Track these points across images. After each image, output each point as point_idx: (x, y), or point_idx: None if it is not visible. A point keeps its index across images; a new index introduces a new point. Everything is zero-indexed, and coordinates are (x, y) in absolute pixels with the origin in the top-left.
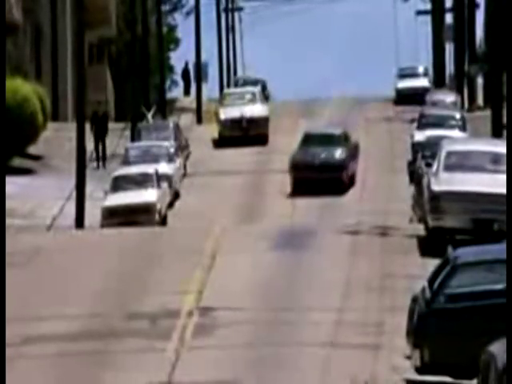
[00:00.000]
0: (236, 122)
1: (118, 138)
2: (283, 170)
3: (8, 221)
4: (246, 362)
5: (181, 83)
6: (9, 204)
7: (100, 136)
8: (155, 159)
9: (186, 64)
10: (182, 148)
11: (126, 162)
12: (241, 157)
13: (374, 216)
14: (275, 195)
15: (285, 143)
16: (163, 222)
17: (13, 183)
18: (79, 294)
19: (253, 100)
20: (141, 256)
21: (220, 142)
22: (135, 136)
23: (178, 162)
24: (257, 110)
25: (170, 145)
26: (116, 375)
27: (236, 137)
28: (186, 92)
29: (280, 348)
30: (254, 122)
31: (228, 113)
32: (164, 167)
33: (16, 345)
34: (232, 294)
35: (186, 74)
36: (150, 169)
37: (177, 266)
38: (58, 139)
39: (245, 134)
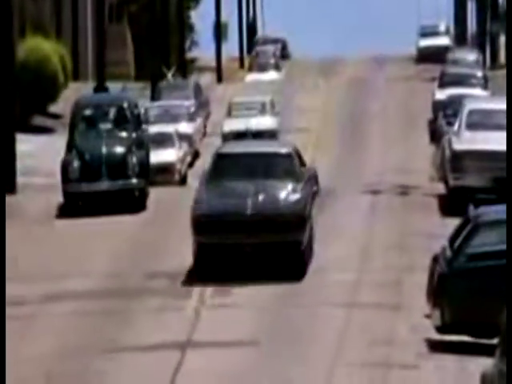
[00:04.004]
0: (240, 136)
1: (137, 97)
2: (302, 129)
3: (28, 179)
4: (264, 322)
5: (201, 42)
6: (29, 162)
7: None
8: (175, 119)
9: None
10: (202, 107)
11: (146, 121)
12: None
13: (395, 175)
14: None
15: (304, 103)
16: (183, 181)
17: (33, 142)
18: (100, 254)
19: (262, 111)
20: (160, 216)
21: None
22: (155, 95)
23: (198, 121)
24: (264, 122)
25: (190, 104)
26: (136, 334)
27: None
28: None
29: (298, 309)
30: (260, 136)
31: (232, 125)
32: (184, 127)
33: (37, 302)
34: None
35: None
36: (169, 128)
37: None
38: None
39: None
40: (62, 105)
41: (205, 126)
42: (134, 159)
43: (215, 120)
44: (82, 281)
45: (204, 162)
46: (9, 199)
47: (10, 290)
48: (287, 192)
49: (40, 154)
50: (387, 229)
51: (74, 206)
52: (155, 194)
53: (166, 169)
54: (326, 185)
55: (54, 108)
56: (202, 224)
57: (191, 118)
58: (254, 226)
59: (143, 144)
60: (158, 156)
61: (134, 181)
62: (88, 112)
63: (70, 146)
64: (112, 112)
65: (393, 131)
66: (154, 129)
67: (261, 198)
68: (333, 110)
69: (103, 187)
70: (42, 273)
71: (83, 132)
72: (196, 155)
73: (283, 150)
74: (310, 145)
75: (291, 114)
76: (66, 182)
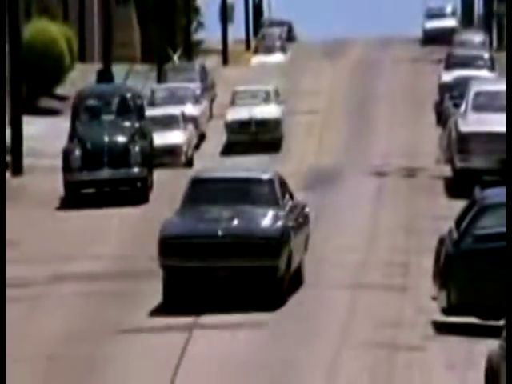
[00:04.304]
0: (244, 125)
1: (143, 79)
2: (309, 110)
3: (34, 161)
4: (271, 304)
5: (207, 24)
6: (35, 144)
7: None
8: (181, 101)
9: None
10: (208, 90)
11: (152, 103)
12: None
13: (401, 157)
14: (302, 134)
15: (310, 86)
16: (189, 163)
17: (39, 124)
18: (106, 237)
19: (266, 99)
20: (167, 197)
21: (228, 149)
22: (161, 77)
23: (204, 103)
24: (269, 111)
25: (196, 86)
26: (143, 315)
27: (244, 142)
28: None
29: (304, 290)
30: (264, 125)
31: (236, 114)
32: (190, 109)
33: (43, 284)
34: None
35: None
36: (175, 110)
37: None
38: (84, 80)
39: (254, 138)
40: (69, 87)
41: (211, 109)
42: (137, 149)
43: (221, 102)
44: (88, 263)
45: (210, 144)
46: (15, 181)
47: (15, 271)
48: (265, 217)
49: (46, 136)
50: (393, 210)
51: (75, 195)
52: (160, 175)
53: (172, 151)
54: (332, 166)
55: (60, 90)
56: (169, 246)
57: (197, 100)
58: (225, 249)
59: (146, 134)
60: (165, 138)
61: (136, 170)
62: (91, 102)
63: (72, 135)
64: (115, 102)
65: (399, 113)
66: (160, 111)
67: (235, 222)
68: (339, 92)
69: (105, 176)
70: (48, 255)
71: (85, 122)
72: (202, 137)
73: (264, 176)
74: (317, 127)
75: (297, 96)
76: (67, 171)
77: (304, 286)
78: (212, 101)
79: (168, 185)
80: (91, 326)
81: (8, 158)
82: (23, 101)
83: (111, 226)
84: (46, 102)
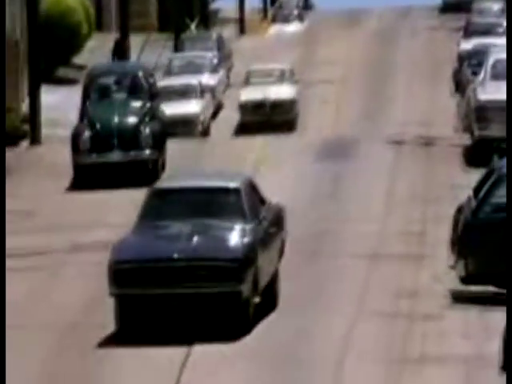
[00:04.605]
0: (258, 107)
1: (161, 48)
2: (325, 80)
3: (52, 131)
4: (286, 273)
5: None
6: (52, 114)
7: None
8: (198, 70)
9: None
10: (225, 59)
11: (169, 72)
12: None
13: (419, 126)
14: (318, 105)
15: (327, 55)
16: (206, 133)
17: (57, 93)
18: (124, 206)
19: (280, 79)
20: (182, 168)
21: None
22: (178, 47)
23: (221, 73)
24: (283, 91)
25: (213, 56)
26: None
27: (258, 122)
28: None
29: (322, 260)
30: (278, 105)
31: (249, 94)
32: (207, 78)
33: (63, 252)
34: None
35: None
36: (193, 80)
37: None
38: (102, 49)
39: (268, 119)
40: (86, 56)
41: (228, 78)
42: (148, 130)
43: (238, 72)
44: (104, 232)
45: (227, 114)
46: (33, 151)
47: (32, 241)
48: (228, 234)
49: (64, 106)
50: (411, 180)
51: (85, 178)
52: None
53: (188, 120)
54: (349, 136)
55: (77, 59)
56: (120, 272)
57: (214, 69)
58: (181, 274)
59: (157, 114)
60: (181, 107)
61: (147, 152)
62: (102, 81)
63: (83, 115)
64: (126, 81)
65: (417, 82)
66: (177, 80)
67: (195, 240)
68: (356, 62)
69: (115, 158)
70: (65, 224)
71: (96, 101)
72: (219, 107)
73: (230, 185)
74: (334, 96)
75: (314, 66)
76: (76, 153)
77: (321, 255)
78: (229, 70)
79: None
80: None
81: (26, 128)
82: (41, 71)
83: (127, 198)
84: (63, 72)
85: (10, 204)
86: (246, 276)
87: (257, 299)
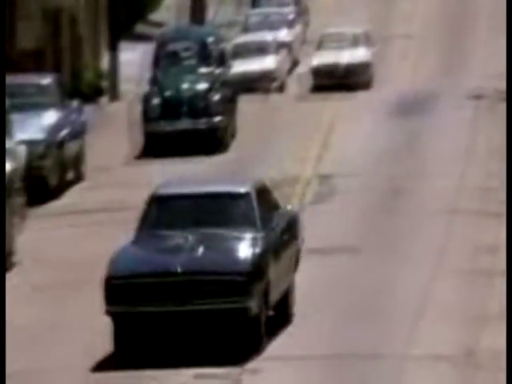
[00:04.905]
0: (330, 71)
1: (237, 5)
2: (403, 35)
3: (129, 87)
4: (364, 230)
5: None
6: (129, 71)
7: None
8: (275, 26)
9: None
10: (301, 15)
11: (246, 29)
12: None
13: (499, 81)
14: (397, 60)
15: (405, 8)
16: (281, 88)
17: (134, 50)
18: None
19: (354, 43)
20: (260, 124)
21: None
22: (255, 3)
23: (298, 28)
24: (357, 54)
25: (289, 11)
26: None
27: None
28: None
29: (400, 216)
30: (352, 69)
31: (322, 58)
32: (283, 34)
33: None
34: (351, 161)
35: None
36: (269, 36)
37: (296, 133)
38: (179, 6)
39: (340, 82)
40: (164, 13)
41: (304, 34)
42: (217, 97)
43: (314, 27)
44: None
45: (303, 70)
46: (111, 107)
47: (111, 195)
48: (236, 244)
49: (142, 62)
50: (491, 134)
51: (155, 146)
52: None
53: (265, 76)
54: (429, 89)
55: (155, 16)
56: (116, 288)
57: (290, 25)
58: (184, 289)
59: (227, 81)
60: (258, 63)
61: (217, 119)
62: (171, 47)
63: (153, 80)
64: (196, 47)
65: (497, 35)
66: (253, 37)
67: (199, 251)
68: (435, 15)
69: (184, 126)
70: (141, 179)
71: (165, 67)
72: (295, 63)
73: (239, 190)
74: (412, 51)
75: (392, 20)
76: (146, 121)
77: (398, 212)
78: (306, 26)
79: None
80: None
81: (105, 84)
82: (121, 27)
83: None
84: (140, 28)
85: (89, 158)
86: (254, 290)
87: (269, 313)
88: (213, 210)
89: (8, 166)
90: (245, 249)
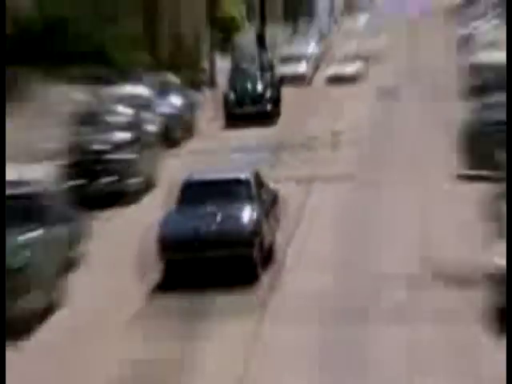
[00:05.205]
0: (337, 77)
1: (284, 31)
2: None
3: (220, 80)
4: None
5: None
6: (220, 72)
7: None
8: (307, 42)
9: None
10: (323, 38)
11: (290, 43)
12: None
13: None
14: (377, 67)
15: None
16: (309, 83)
17: (225, 59)
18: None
19: (353, 60)
20: (296, 107)
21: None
22: (296, 29)
23: (321, 45)
24: (351, 68)
25: (315, 39)
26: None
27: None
28: None
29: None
30: (352, 76)
31: (331, 70)
32: (312, 48)
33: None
34: (358, 125)
35: None
36: (303, 49)
37: (320, 109)
38: (249, 36)
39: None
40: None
41: (323, 49)
42: (268, 94)
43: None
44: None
45: (321, 74)
46: (209, 93)
47: (214, 145)
48: (241, 213)
49: (225, 67)
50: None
51: (232, 122)
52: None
53: (300, 76)
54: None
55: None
56: (166, 243)
57: (318, 41)
58: (208, 243)
59: (275, 83)
60: (296, 67)
61: (268, 107)
62: (241, 63)
63: (230, 83)
64: (257, 63)
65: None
66: (294, 49)
67: (218, 218)
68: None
69: (249, 110)
70: (227, 138)
71: (236, 73)
72: (317, 67)
73: (242, 177)
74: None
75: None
76: (226, 107)
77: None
78: (327, 44)
79: (296, 97)
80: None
81: (204, 78)
82: (217, 40)
83: (255, 133)
84: (227, 45)
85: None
86: (255, 242)
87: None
88: (225, 190)
89: (153, 128)
90: (247, 215)
